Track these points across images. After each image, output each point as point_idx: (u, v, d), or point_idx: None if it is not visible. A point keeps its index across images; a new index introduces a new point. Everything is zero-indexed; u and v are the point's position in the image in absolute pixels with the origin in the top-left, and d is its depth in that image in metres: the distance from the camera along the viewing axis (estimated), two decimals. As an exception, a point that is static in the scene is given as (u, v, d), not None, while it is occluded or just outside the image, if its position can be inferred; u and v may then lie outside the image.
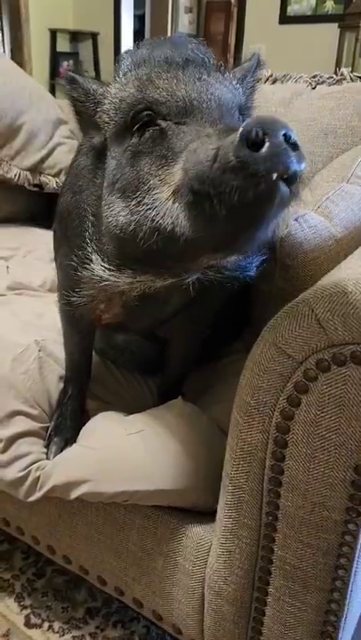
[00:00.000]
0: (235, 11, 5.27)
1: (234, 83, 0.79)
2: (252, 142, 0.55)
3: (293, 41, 4.05)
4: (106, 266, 0.79)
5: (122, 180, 0.73)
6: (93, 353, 1.12)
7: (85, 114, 0.83)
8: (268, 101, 1.44)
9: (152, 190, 0.67)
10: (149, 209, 0.67)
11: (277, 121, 0.57)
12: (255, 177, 0.55)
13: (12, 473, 0.97)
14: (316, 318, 0.67)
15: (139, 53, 0.81)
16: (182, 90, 0.71)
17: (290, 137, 0.56)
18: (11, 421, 1.01)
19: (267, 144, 0.55)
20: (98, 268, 0.80)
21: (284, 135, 0.56)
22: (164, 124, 0.70)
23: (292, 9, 4.11)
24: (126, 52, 0.86)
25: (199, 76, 0.73)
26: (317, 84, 1.40)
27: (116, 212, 0.73)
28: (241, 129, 0.56)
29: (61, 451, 1.00)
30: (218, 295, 0.91)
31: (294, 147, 0.57)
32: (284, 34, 4.16)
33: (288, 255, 0.91)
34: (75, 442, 1.00)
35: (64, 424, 1.04)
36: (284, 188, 0.57)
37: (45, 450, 1.02)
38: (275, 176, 0.55)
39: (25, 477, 0.97)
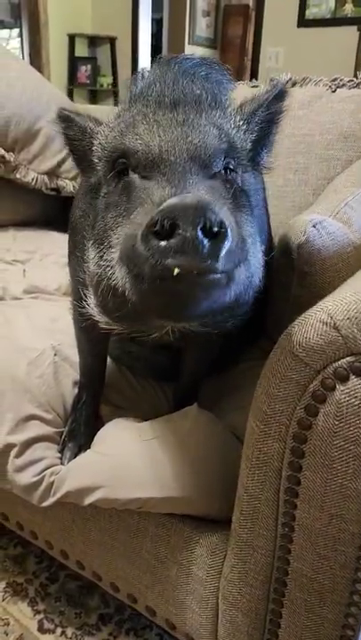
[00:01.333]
0: (253, 14, 5.27)
1: (234, 121, 0.77)
2: (159, 232, 0.54)
3: (312, 44, 4.03)
4: (95, 307, 0.78)
5: (96, 227, 0.73)
6: (108, 359, 1.12)
7: (81, 152, 0.82)
8: (288, 104, 1.43)
9: (112, 249, 0.66)
10: (108, 266, 0.66)
11: (194, 207, 0.54)
12: (158, 269, 0.54)
13: (27, 478, 0.97)
14: (335, 326, 0.66)
15: (137, 87, 0.80)
16: (156, 139, 0.68)
17: (210, 223, 0.54)
18: (25, 426, 1.01)
19: (175, 237, 0.53)
20: (91, 305, 0.79)
21: (202, 223, 0.53)
22: (132, 175, 0.69)
23: (311, 12, 4.09)
24: (130, 82, 0.85)
25: (184, 119, 0.71)
26: (337, 87, 1.39)
27: (90, 260, 0.73)
28: (149, 218, 0.55)
29: (75, 456, 0.99)
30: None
31: (214, 234, 0.54)
32: (303, 37, 4.13)
33: (306, 262, 0.90)
34: (89, 447, 0.99)
35: (78, 429, 1.04)
36: (199, 279, 0.55)
37: (59, 455, 1.01)
38: (176, 271, 0.54)
39: (39, 482, 0.96)
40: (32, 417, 1.02)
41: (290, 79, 1.47)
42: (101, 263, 0.68)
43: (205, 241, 0.54)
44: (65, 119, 0.82)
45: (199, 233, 0.53)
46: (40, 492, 0.96)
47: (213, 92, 0.79)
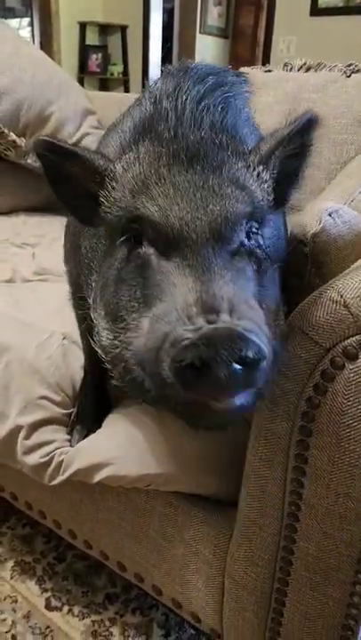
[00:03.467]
0: (265, 3, 5.22)
1: (254, 171, 0.70)
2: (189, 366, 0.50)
3: (325, 33, 3.99)
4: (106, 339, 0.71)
5: (107, 295, 0.68)
6: None
7: (83, 191, 0.72)
8: (302, 87, 1.42)
9: (128, 330, 0.63)
10: (125, 348, 0.63)
11: (229, 341, 0.50)
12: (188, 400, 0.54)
13: (35, 459, 0.98)
14: (345, 305, 0.66)
15: (147, 120, 0.73)
16: (175, 209, 0.61)
17: (246, 357, 0.50)
18: (35, 407, 1.02)
19: (206, 376, 0.51)
20: (102, 334, 0.71)
21: (239, 358, 0.50)
22: (148, 250, 0.63)
23: (324, 1, 4.04)
24: (135, 108, 0.78)
25: (204, 181, 0.64)
26: (352, 72, 1.38)
27: (102, 328, 0.69)
28: (177, 349, 0.51)
29: (84, 438, 1.00)
30: None
31: (251, 363, 0.51)
32: (316, 26, 4.09)
33: (321, 251, 0.89)
34: (98, 429, 1.00)
35: (86, 412, 1.04)
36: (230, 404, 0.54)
37: (68, 437, 1.02)
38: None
39: (48, 462, 0.97)
40: (41, 398, 1.03)
41: (304, 64, 1.46)
42: (116, 343, 0.65)
43: (240, 373, 0.51)
44: (71, 155, 0.70)
45: (234, 369, 0.51)
46: (50, 471, 0.97)
47: (234, 127, 0.73)
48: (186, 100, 0.75)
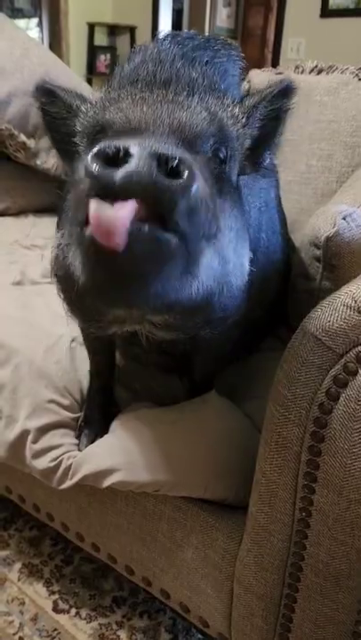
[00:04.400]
0: (274, 4, 5.20)
1: (231, 110, 0.70)
2: (108, 158, 0.46)
3: (335, 35, 3.96)
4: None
5: (65, 206, 0.63)
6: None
7: (64, 134, 0.74)
8: (313, 90, 1.41)
9: (72, 224, 0.55)
10: (64, 245, 0.57)
11: (153, 140, 0.47)
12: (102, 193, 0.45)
13: (44, 463, 0.98)
14: (359, 310, 0.65)
15: (129, 64, 0.74)
16: (137, 112, 0.61)
17: (170, 156, 0.46)
18: (43, 411, 1.02)
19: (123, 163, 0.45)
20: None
21: (159, 155, 0.45)
22: None
23: (334, 2, 4.01)
24: (121, 61, 0.79)
25: (173, 98, 0.65)
26: (364, 75, 1.37)
27: (56, 244, 0.63)
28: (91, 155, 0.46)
29: (92, 442, 1.00)
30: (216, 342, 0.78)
31: (174, 171, 0.45)
32: (325, 28, 4.07)
33: (334, 255, 0.89)
34: (105, 433, 1.00)
35: (93, 416, 1.04)
36: (149, 228, 0.45)
37: (76, 441, 1.02)
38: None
39: (57, 467, 0.97)
40: (49, 402, 1.03)
41: (315, 66, 1.45)
42: (59, 243, 0.59)
43: (163, 170, 0.45)
44: (48, 93, 0.74)
45: (155, 157, 0.45)
46: (58, 475, 0.97)
47: (212, 77, 0.73)
48: (172, 51, 0.75)
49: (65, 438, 1.01)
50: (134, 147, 0.46)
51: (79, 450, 1.00)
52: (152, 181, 0.44)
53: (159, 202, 0.45)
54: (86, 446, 0.99)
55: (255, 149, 0.75)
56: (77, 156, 0.71)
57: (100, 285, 0.50)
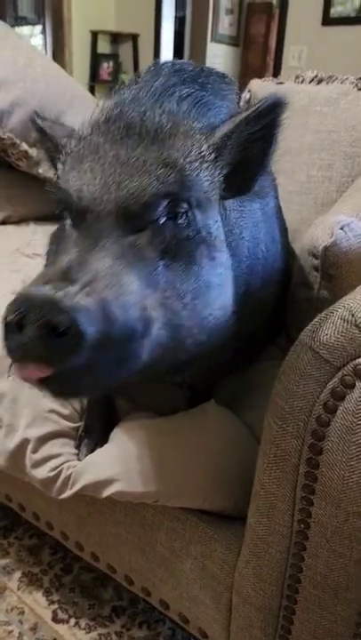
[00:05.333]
0: (276, 12, 5.23)
1: (196, 151, 0.68)
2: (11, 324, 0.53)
3: (336, 43, 3.99)
4: None
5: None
6: None
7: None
8: (313, 100, 1.42)
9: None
10: None
11: (39, 305, 0.52)
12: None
13: (44, 472, 0.98)
14: (356, 323, 0.65)
15: (104, 105, 0.75)
16: (90, 185, 0.64)
17: (56, 323, 0.51)
18: (43, 421, 1.02)
19: (22, 335, 0.53)
20: None
21: (47, 324, 0.51)
22: (67, 222, 0.67)
23: (336, 10, 4.04)
24: (96, 105, 0.79)
25: (128, 157, 0.65)
26: (364, 85, 1.38)
27: None
28: (7, 308, 0.54)
29: (91, 452, 0.99)
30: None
31: (64, 333, 0.52)
32: (327, 36, 4.09)
33: (332, 264, 0.89)
34: (105, 443, 1.00)
35: (93, 425, 1.04)
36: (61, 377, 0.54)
37: (76, 451, 1.02)
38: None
39: (56, 476, 0.97)
40: (49, 411, 1.03)
41: (316, 76, 1.46)
42: None
43: (50, 342, 0.52)
44: (39, 130, 0.78)
45: (37, 334, 0.52)
46: (58, 485, 0.97)
47: (186, 113, 0.73)
48: (155, 84, 0.76)
49: (64, 448, 1.01)
50: (27, 318, 0.52)
51: (79, 459, 1.00)
52: (44, 351, 0.52)
53: (56, 360, 0.53)
54: (86, 456, 0.99)
55: (238, 174, 0.73)
56: None
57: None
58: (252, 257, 0.87)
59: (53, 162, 0.78)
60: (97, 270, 0.57)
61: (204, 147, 0.70)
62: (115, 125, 0.70)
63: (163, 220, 0.65)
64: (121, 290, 0.57)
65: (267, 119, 0.69)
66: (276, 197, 1.14)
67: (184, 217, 0.67)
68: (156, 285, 0.62)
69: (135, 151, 0.66)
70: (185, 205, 0.67)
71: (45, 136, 0.78)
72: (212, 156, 0.70)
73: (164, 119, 0.69)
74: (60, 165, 0.73)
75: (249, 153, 0.72)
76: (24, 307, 0.53)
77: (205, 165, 0.69)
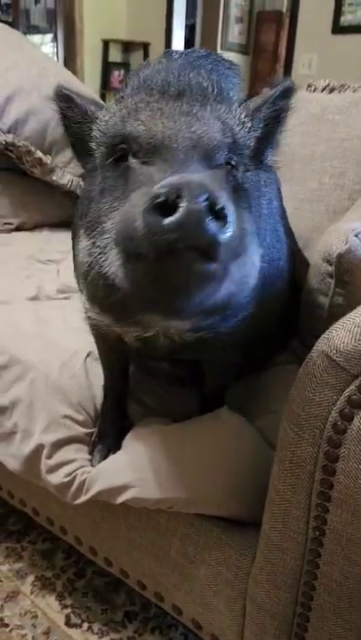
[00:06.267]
0: (286, 21, 5.25)
1: (238, 117, 0.75)
2: (163, 206, 0.53)
3: (346, 51, 3.99)
4: (87, 305, 0.78)
5: (89, 215, 0.71)
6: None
7: (79, 137, 0.79)
8: (326, 109, 1.43)
9: (105, 234, 0.64)
10: (100, 253, 0.64)
11: (199, 184, 0.53)
12: (159, 244, 0.53)
13: (59, 478, 0.99)
14: (373, 332, 0.66)
15: (142, 75, 0.79)
16: (159, 125, 0.67)
17: (214, 202, 0.53)
18: (57, 426, 1.03)
19: (179, 211, 0.52)
20: (83, 298, 0.78)
21: (206, 200, 0.52)
22: (132, 161, 0.67)
23: (346, 19, 4.05)
24: (133, 72, 0.84)
25: (188, 110, 0.69)
26: (376, 93, 1.39)
27: (80, 249, 0.71)
28: (152, 191, 0.54)
29: (105, 458, 1.00)
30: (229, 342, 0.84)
31: (217, 214, 0.53)
32: (337, 44, 4.10)
33: (346, 272, 0.90)
34: (118, 448, 1.00)
35: (106, 431, 1.05)
36: (197, 263, 0.54)
37: (90, 457, 1.03)
38: (177, 246, 0.53)
39: (71, 482, 0.98)
40: (64, 417, 1.04)
41: (328, 85, 1.47)
42: (93, 250, 0.66)
43: (210, 218, 0.53)
44: (65, 99, 0.78)
45: (204, 208, 0.53)
46: (72, 491, 0.98)
47: (220, 85, 0.77)
48: (179, 61, 0.82)
49: (79, 454, 1.02)
50: (183, 195, 0.53)
51: (92, 465, 1.01)
52: (203, 231, 0.53)
53: (207, 244, 0.54)
54: (99, 462, 1.00)
55: (258, 148, 0.79)
56: (92, 159, 0.78)
57: (151, 296, 0.60)
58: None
59: (75, 130, 0.79)
60: (207, 185, 0.56)
61: (243, 115, 0.76)
62: (164, 86, 0.73)
63: (224, 166, 0.70)
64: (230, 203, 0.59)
65: (282, 100, 0.78)
66: (281, 200, 1.16)
67: (235, 170, 0.72)
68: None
69: (193, 107, 0.70)
70: (235, 159, 0.72)
71: (73, 103, 0.78)
72: (248, 124, 0.76)
73: (209, 85, 0.75)
74: (102, 122, 0.76)
75: (266, 129, 0.78)
76: (182, 187, 0.53)
77: (244, 133, 0.75)
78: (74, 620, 1.19)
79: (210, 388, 1.07)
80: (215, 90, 0.75)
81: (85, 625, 1.18)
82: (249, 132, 0.76)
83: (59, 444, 1.02)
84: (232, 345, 0.88)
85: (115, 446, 1.01)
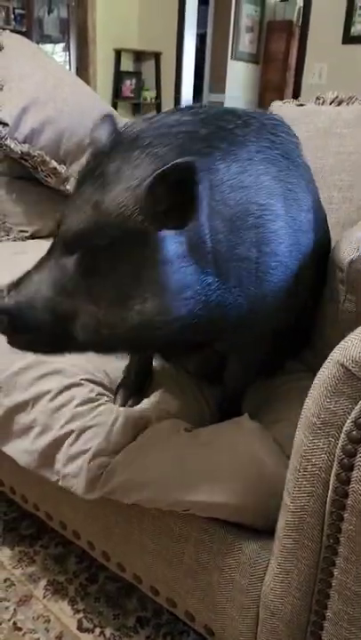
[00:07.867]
0: (296, 30, 5.29)
1: (134, 195, 0.74)
2: None
3: (357, 61, 4.02)
4: None
5: None
6: None
7: None
8: (334, 122, 1.45)
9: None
10: None
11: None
12: None
13: (76, 467, 0.99)
14: (389, 342, 0.67)
15: (90, 149, 0.86)
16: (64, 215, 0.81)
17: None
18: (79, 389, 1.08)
19: None
20: None
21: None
22: None
23: (356, 29, 4.09)
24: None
25: (82, 199, 0.78)
26: (386, 106, 1.40)
27: None
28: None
29: (126, 401, 1.08)
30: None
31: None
32: (348, 54, 4.13)
33: (358, 278, 0.91)
34: (139, 396, 1.09)
35: (128, 379, 1.13)
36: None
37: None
38: None
39: (87, 472, 0.98)
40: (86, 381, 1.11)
41: (336, 97, 1.49)
42: None
43: None
44: None
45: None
46: (88, 482, 0.98)
47: (141, 162, 0.76)
48: (154, 124, 0.84)
49: (93, 441, 1.01)
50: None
51: (114, 403, 1.07)
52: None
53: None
54: (121, 403, 1.08)
55: (173, 211, 0.75)
56: None
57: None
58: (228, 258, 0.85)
59: None
60: (27, 281, 0.81)
61: (140, 192, 0.74)
62: (88, 170, 0.81)
63: (85, 250, 0.78)
64: (37, 290, 0.80)
65: (173, 178, 0.71)
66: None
67: (112, 245, 0.77)
68: (74, 292, 0.79)
69: (85, 195, 0.78)
70: (105, 238, 0.76)
71: None
72: (142, 201, 0.74)
73: (122, 166, 0.77)
74: None
75: (176, 199, 0.73)
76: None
77: (138, 207, 0.74)
78: (86, 624, 1.20)
79: (230, 387, 1.11)
80: (123, 170, 0.76)
81: (97, 630, 1.19)
82: (146, 205, 0.74)
83: (86, 401, 1.06)
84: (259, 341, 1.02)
85: (135, 392, 1.10)
